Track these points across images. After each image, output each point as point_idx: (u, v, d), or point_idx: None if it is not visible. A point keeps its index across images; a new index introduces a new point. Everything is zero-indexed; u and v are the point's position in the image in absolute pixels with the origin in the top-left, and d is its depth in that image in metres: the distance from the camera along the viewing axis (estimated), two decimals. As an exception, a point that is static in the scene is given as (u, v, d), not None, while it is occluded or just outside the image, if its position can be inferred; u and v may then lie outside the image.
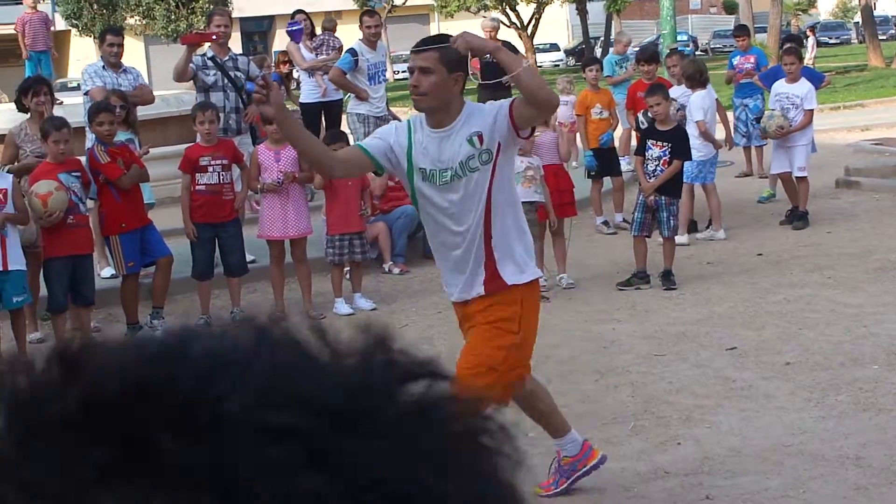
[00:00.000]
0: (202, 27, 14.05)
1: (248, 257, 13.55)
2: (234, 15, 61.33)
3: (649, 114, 13.21)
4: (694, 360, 9.80)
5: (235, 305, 12.34)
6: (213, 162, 12.11)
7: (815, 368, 9.29)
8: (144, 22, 51.05)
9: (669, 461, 7.58)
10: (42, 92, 12.39)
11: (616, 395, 9.05)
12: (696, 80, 15.01)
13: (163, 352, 0.89)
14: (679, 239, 14.29)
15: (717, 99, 15.57)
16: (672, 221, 12.59)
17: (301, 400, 0.85)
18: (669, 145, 12.49)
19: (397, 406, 0.88)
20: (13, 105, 13.60)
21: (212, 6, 51.12)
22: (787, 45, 17.68)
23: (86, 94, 14.07)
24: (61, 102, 17.87)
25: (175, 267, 12.50)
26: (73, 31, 57.83)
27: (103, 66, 14.08)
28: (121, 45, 14.35)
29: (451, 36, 6.50)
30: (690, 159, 12.99)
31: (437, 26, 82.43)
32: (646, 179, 12.53)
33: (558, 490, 7.04)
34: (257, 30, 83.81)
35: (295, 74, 20.62)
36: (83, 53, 57.12)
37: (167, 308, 12.73)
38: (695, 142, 14.34)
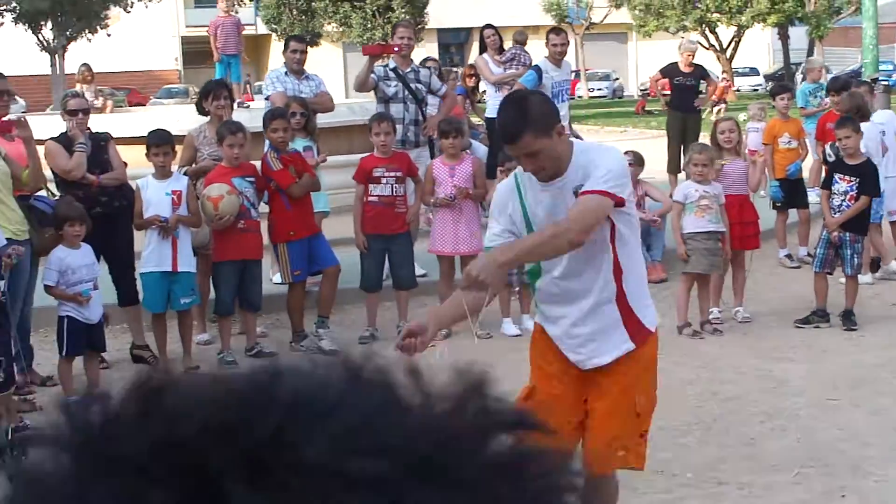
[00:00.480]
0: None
1: (420, 271, 13.47)
2: (431, 26, 62.43)
3: (837, 147, 12.77)
4: (869, 408, 9.40)
5: (403, 319, 12.18)
6: (387, 174, 12.05)
7: None
8: (341, 29, 51.44)
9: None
10: (222, 96, 12.39)
11: (782, 440, 8.71)
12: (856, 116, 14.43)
13: (246, 391, 0.89)
14: (863, 278, 13.79)
15: None
16: (856, 259, 12.11)
17: (385, 448, 0.84)
18: (857, 180, 12.01)
19: (484, 458, 0.87)
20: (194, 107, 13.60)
21: (408, 15, 51.58)
22: None
23: (267, 98, 14.13)
24: (248, 106, 18.02)
25: (345, 277, 12.46)
26: (273, 35, 58.56)
27: (286, 73, 14.13)
28: (304, 52, 14.39)
29: (522, 97, 6.15)
30: (879, 196, 12.50)
31: (634, 46, 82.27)
32: (830, 214, 12.06)
33: None
34: (454, 41, 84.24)
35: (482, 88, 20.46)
36: (282, 59, 57.82)
37: (335, 318, 12.70)
38: None
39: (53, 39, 59.37)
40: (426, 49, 72.61)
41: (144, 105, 49.37)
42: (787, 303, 13.22)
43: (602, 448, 5.85)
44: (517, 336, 12.04)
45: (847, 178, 12.04)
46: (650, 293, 6.36)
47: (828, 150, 14.55)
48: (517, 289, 12.39)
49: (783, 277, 14.81)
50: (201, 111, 12.75)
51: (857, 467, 8.03)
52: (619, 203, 5.64)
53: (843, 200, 12.02)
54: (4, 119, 10.07)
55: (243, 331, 11.80)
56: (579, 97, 78.11)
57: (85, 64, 25.24)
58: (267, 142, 12.81)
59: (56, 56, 59.17)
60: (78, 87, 23.89)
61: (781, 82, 20.72)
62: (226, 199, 10.95)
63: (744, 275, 12.66)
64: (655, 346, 6.08)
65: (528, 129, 5.54)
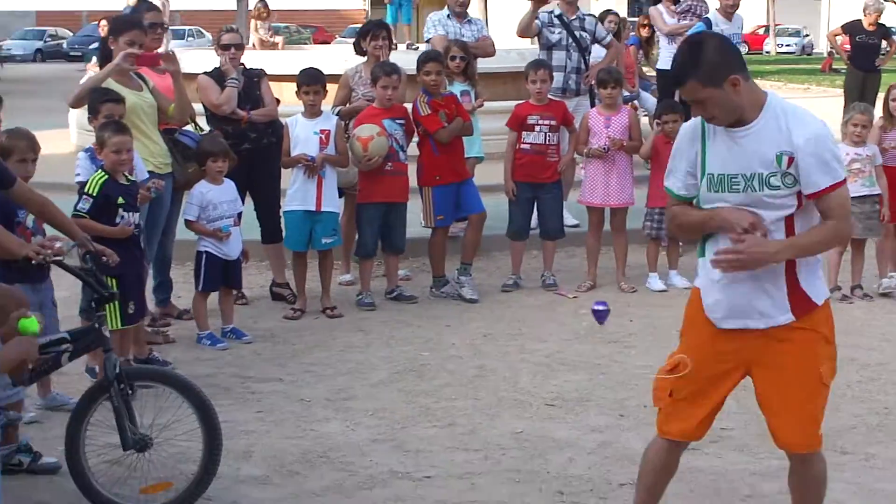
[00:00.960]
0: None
1: (573, 221, 13.27)
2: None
3: None
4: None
5: (547, 269, 12.09)
6: (541, 121, 11.83)
7: None
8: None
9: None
10: (381, 36, 12.22)
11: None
12: None
13: None
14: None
15: None
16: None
17: None
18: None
19: None
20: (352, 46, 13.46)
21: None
22: None
23: (427, 41, 13.98)
24: (395, 47, 17.84)
25: (492, 223, 12.33)
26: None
27: (448, 15, 13.93)
28: None
29: (698, 39, 5.60)
30: None
31: (827, 3, 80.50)
32: None
33: None
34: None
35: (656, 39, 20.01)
36: (471, 6, 57.60)
37: (480, 264, 12.62)
38: None
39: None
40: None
41: (329, 43, 49.54)
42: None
43: (801, 425, 5.66)
44: (663, 291, 11.82)
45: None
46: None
47: None
48: (664, 243, 12.13)
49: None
50: (359, 51, 12.57)
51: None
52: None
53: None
54: (154, 53, 10.03)
55: (385, 273, 11.69)
56: (767, 52, 77.13)
57: (261, 1, 25.25)
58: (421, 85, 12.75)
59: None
60: (253, 24, 24.10)
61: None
62: (375, 140, 10.88)
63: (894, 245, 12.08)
64: (827, 320, 5.66)
65: (694, 75, 5.28)
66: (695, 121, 5.62)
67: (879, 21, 20.23)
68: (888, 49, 20.61)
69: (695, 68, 5.27)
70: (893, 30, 21.48)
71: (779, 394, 5.60)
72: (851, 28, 20.47)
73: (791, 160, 5.30)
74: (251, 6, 27.51)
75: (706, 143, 5.51)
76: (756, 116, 5.37)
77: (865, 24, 20.11)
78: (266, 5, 24.95)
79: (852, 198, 11.10)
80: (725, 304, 5.55)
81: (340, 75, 12.34)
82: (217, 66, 11.45)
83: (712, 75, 5.23)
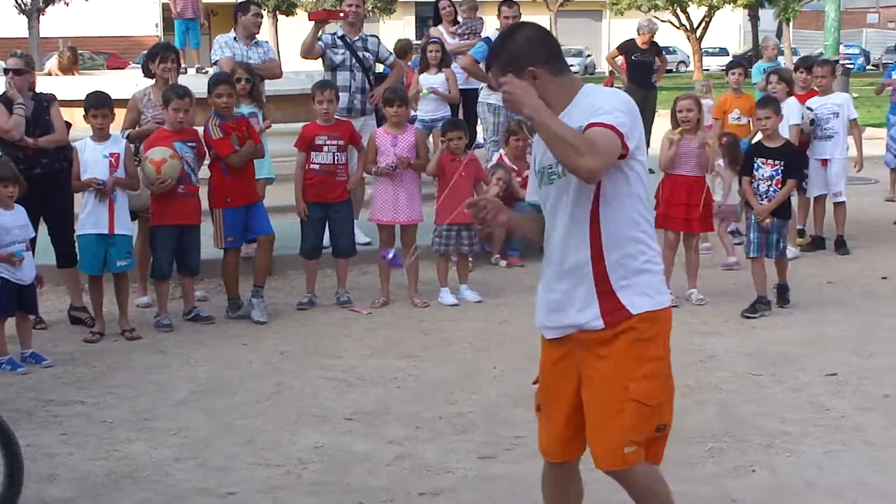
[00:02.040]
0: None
1: (364, 239, 13.39)
2: (406, -1, 61.92)
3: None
4: (790, 384, 9.30)
5: (341, 286, 12.18)
6: (328, 142, 11.92)
7: (914, 404, 8.80)
8: (313, 0, 51.23)
9: (739, 488, 7.16)
10: (169, 59, 12.23)
11: (701, 413, 8.61)
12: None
13: None
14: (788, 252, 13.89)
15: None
16: (782, 243, 11.89)
17: None
18: (782, 163, 11.72)
19: None
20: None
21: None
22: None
23: (214, 63, 13.97)
24: (185, 70, 17.78)
25: (286, 243, 12.45)
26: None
27: (234, 38, 13.93)
28: (259, 17, 14.18)
29: (515, 29, 5.39)
30: (805, 178, 12.24)
31: (607, 23, 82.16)
32: (758, 201, 11.71)
33: None
34: (428, 15, 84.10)
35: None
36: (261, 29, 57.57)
37: (277, 283, 12.72)
38: None
39: (30, 3, 59.05)
40: (404, 21, 72.97)
41: (124, 68, 49.15)
42: (720, 277, 13.20)
43: (605, 444, 5.28)
44: (454, 305, 12.01)
45: (770, 161, 11.73)
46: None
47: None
48: (454, 259, 12.33)
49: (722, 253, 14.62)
50: (148, 74, 12.53)
51: (770, 443, 7.92)
52: (623, 153, 5.02)
53: (770, 185, 11.70)
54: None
55: (182, 294, 11.68)
56: (551, 72, 78.33)
57: (71, 48, 24.67)
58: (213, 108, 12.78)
59: (32, 18, 58.83)
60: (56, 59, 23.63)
61: (735, 58, 20.49)
62: (168, 162, 10.86)
63: (696, 257, 12.44)
64: (648, 329, 5.18)
65: (496, 61, 5.21)
66: None
67: (653, 40, 20.78)
68: (659, 65, 21.13)
69: (498, 55, 5.22)
70: (670, 48, 22.00)
71: (587, 408, 5.34)
72: (627, 48, 20.98)
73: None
74: (42, 32, 26.94)
75: (535, 144, 5.44)
76: (560, 110, 5.14)
77: (640, 44, 20.64)
78: (74, 53, 24.43)
79: None
80: (545, 312, 5.48)
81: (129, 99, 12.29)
82: (4, 91, 11.34)
83: (513, 63, 5.13)
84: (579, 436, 5.43)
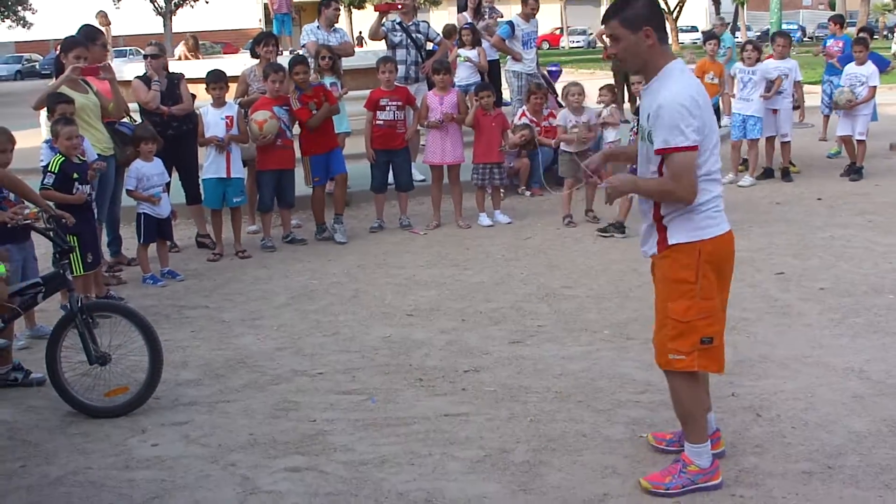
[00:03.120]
0: None
1: (419, 177, 13.26)
2: (450, -7, 61.42)
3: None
4: (749, 281, 9.13)
5: (403, 214, 12.07)
6: (390, 103, 11.77)
7: (842, 294, 8.58)
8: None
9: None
10: (270, 43, 12.19)
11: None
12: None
13: None
14: (744, 181, 14.20)
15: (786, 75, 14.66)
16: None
17: None
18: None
19: None
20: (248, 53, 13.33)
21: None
22: (858, 36, 16.58)
23: (303, 46, 13.82)
24: (281, 52, 17.60)
25: (360, 181, 12.36)
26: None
27: (318, 27, 13.76)
28: (337, 10, 13.97)
29: None
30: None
31: (605, 9, 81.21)
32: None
33: (668, 493, 5.11)
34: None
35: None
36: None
37: (353, 213, 12.69)
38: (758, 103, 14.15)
39: (164, 6, 58.97)
40: (448, 11, 72.28)
41: (236, 54, 49.25)
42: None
43: (656, 346, 5.17)
44: (490, 226, 11.88)
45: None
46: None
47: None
48: (489, 191, 12.20)
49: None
50: (254, 55, 12.51)
51: (733, 326, 7.68)
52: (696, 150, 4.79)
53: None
54: (94, 66, 9.85)
55: (282, 223, 11.60)
56: (562, 47, 77.89)
57: (192, 36, 24.65)
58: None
59: (166, 18, 58.77)
60: (182, 47, 23.55)
61: (710, 32, 20.11)
62: (268, 122, 10.82)
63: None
64: (682, 261, 4.92)
65: (616, 16, 4.86)
66: None
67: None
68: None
69: (620, 11, 4.87)
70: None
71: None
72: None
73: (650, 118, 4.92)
74: (174, 28, 26.88)
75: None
76: (650, 77, 4.93)
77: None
78: (195, 39, 24.32)
79: (570, 153, 11.57)
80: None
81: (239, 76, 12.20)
82: (145, 72, 11.31)
83: (634, 19, 4.82)
84: None
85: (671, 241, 4.97)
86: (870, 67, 14.77)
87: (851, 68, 14.83)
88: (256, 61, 12.23)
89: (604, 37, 4.87)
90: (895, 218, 11.68)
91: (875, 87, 14.68)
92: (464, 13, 17.41)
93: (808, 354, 7.13)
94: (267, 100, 11.18)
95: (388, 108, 11.76)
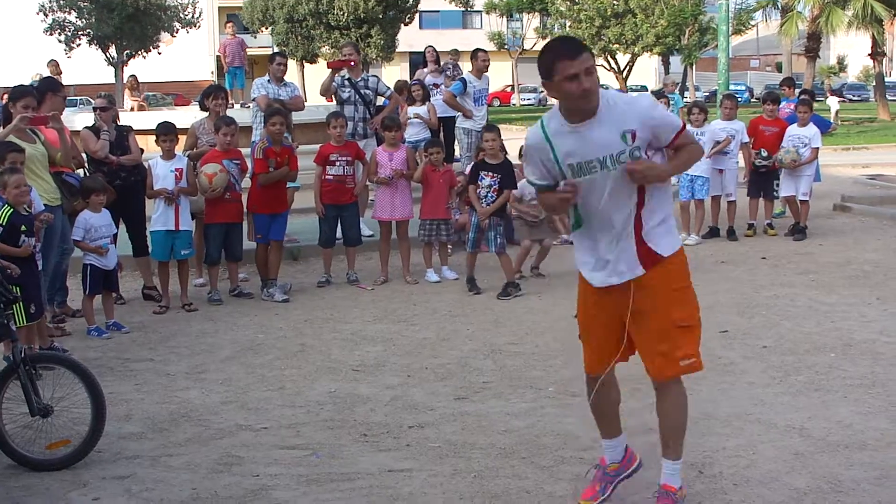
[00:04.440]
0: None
1: (368, 232, 13.32)
2: (403, 49, 61.72)
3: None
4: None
5: (350, 268, 12.09)
6: (340, 158, 11.83)
7: (785, 353, 8.70)
8: (332, 51, 50.93)
9: (654, 419, 6.96)
10: (219, 96, 12.26)
11: (626, 364, 8.49)
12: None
13: None
14: (689, 239, 14.30)
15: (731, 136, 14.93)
16: (499, 239, 11.52)
17: None
18: (499, 176, 11.50)
19: None
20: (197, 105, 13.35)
21: (382, 41, 51.22)
22: (802, 98, 16.89)
23: (253, 100, 13.88)
24: (232, 105, 17.65)
25: (308, 236, 12.38)
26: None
27: (268, 80, 13.82)
28: (283, 65, 14.05)
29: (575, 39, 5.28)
30: (516, 188, 11.94)
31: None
32: (480, 205, 11.39)
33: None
34: (419, 62, 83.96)
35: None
36: (291, 73, 57.41)
37: (301, 267, 12.81)
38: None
39: (116, 56, 58.90)
40: (400, 67, 72.80)
41: (187, 106, 49.33)
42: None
43: (659, 359, 5.37)
44: (437, 282, 11.95)
45: (490, 174, 11.44)
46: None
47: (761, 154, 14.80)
48: (436, 247, 12.24)
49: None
50: (203, 107, 12.55)
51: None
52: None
53: (489, 192, 11.42)
54: (42, 115, 9.86)
55: (230, 276, 11.59)
56: (513, 104, 78.51)
57: (133, 75, 24.88)
58: (257, 133, 12.86)
59: (117, 69, 58.70)
60: (127, 92, 23.67)
61: (659, 91, 20.35)
62: (218, 175, 10.84)
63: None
64: (673, 267, 5.25)
65: (587, 49, 5.02)
66: (535, 132, 5.25)
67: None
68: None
69: (585, 47, 5.04)
70: (604, 85, 21.99)
71: (639, 334, 5.38)
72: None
73: (634, 135, 5.04)
74: (125, 80, 27.00)
75: (553, 143, 5.15)
76: (595, 112, 5.02)
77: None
78: (136, 78, 24.51)
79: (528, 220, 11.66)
80: (597, 271, 5.37)
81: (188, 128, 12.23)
82: (94, 123, 11.33)
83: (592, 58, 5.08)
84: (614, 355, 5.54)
85: (664, 253, 5.24)
86: (812, 129, 15.04)
87: (794, 129, 15.07)
88: (206, 114, 12.27)
89: (580, 73, 4.92)
90: (838, 277, 11.87)
91: (818, 148, 14.95)
92: (424, 69, 17.57)
93: (750, 412, 7.21)
94: (217, 153, 11.20)
95: (337, 163, 11.81)
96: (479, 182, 11.50)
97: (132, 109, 22.74)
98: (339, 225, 12.02)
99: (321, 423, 7.16)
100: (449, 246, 12.53)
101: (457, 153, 16.97)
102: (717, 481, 5.98)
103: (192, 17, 61.54)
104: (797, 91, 18.56)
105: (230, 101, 14.20)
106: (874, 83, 57.99)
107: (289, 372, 8.46)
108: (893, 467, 6.12)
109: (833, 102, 45.40)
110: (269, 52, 51.88)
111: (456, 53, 18.94)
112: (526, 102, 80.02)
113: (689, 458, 6.31)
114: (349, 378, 8.25)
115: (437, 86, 17.52)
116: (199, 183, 10.89)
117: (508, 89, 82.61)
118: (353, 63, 13.89)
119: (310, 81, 50.94)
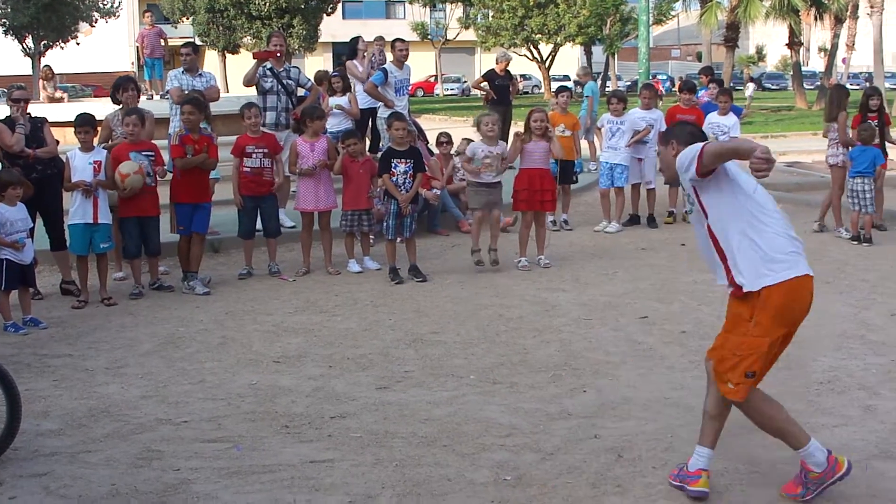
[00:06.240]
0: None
1: (290, 223, 13.27)
2: (325, 40, 61.38)
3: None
4: (613, 325, 9.36)
5: (272, 260, 12.02)
6: (256, 150, 11.76)
7: (703, 337, 8.81)
8: (254, 41, 50.51)
9: (574, 405, 7.18)
10: (129, 88, 12.04)
11: (546, 349, 8.61)
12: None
13: None
14: (611, 227, 14.64)
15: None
16: (414, 226, 11.74)
17: None
18: (412, 161, 11.60)
19: None
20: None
21: (304, 31, 50.92)
22: (723, 87, 17.08)
23: (166, 92, 13.76)
24: (151, 97, 17.54)
25: (228, 228, 12.25)
26: (205, 45, 57.26)
27: (182, 71, 13.72)
28: (189, 55, 13.96)
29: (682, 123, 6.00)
30: (426, 171, 12.06)
31: (479, 56, 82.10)
32: (399, 193, 11.45)
33: (804, 500, 5.50)
34: (343, 52, 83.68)
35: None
36: (213, 64, 56.84)
37: (222, 259, 12.70)
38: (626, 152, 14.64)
39: (33, 47, 57.95)
40: (323, 57, 72.45)
41: (108, 97, 48.51)
42: (561, 250, 13.19)
43: (715, 370, 5.58)
44: (359, 272, 11.94)
45: (403, 160, 11.53)
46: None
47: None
48: (358, 237, 12.21)
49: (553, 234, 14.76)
50: (115, 101, 12.31)
51: (597, 370, 7.96)
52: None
53: (406, 178, 11.51)
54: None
55: (150, 270, 11.46)
56: (437, 95, 78.56)
57: (47, 65, 24.57)
58: (174, 124, 12.87)
59: (35, 60, 57.75)
60: (41, 83, 23.37)
61: (562, 84, 20.38)
62: (132, 177, 10.66)
63: (545, 230, 12.46)
64: (759, 303, 5.31)
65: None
66: None
67: (507, 68, 20.67)
68: (513, 87, 21.05)
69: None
70: (527, 76, 22.00)
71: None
72: (489, 76, 20.82)
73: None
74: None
75: None
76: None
77: (498, 71, 20.51)
78: (50, 68, 24.18)
79: (482, 184, 11.59)
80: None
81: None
82: (9, 115, 11.13)
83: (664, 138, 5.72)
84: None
85: (747, 286, 5.37)
86: (732, 118, 15.26)
87: (714, 118, 15.27)
88: (120, 106, 12.11)
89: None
90: (755, 263, 12.03)
91: (737, 137, 15.12)
92: (353, 60, 17.52)
93: (668, 396, 7.32)
94: (126, 145, 11.06)
95: (254, 155, 11.74)
96: (394, 170, 11.52)
97: (45, 100, 22.42)
98: (258, 216, 11.95)
99: (242, 415, 7.13)
100: (371, 236, 12.51)
101: (382, 143, 16.96)
102: (636, 464, 6.06)
103: (112, 6, 60.65)
104: (708, 81, 18.75)
105: (150, 92, 14.03)
106: (791, 72, 58.95)
107: (210, 365, 8.41)
108: (808, 447, 6.24)
109: (750, 88, 46.21)
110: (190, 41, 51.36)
111: (381, 41, 18.87)
112: (449, 92, 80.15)
113: (608, 443, 6.41)
114: (271, 370, 8.22)
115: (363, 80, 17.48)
116: (115, 181, 10.75)
117: (432, 79, 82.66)
118: (279, 54, 13.84)
119: (232, 72, 50.54)
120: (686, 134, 5.65)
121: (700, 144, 5.30)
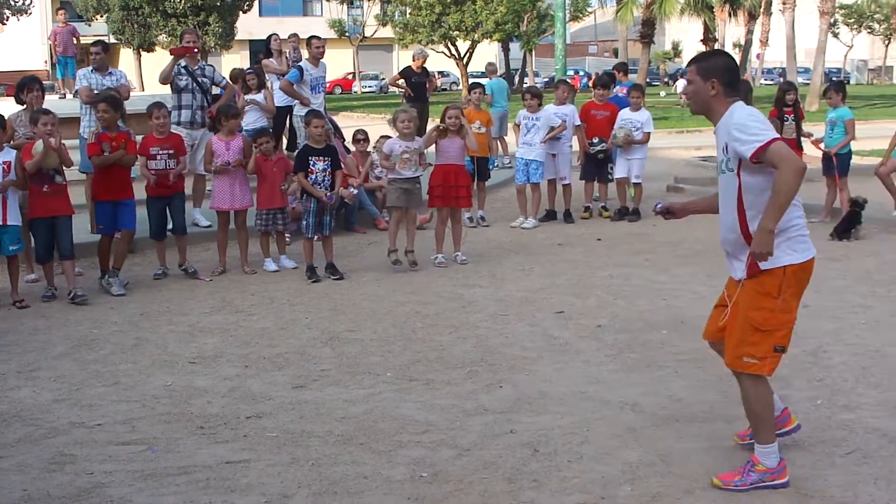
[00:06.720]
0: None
1: (205, 222, 13.19)
2: (242, 37, 60.93)
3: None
4: (529, 321, 9.42)
5: (182, 259, 11.91)
6: (161, 152, 11.64)
7: (619, 331, 8.94)
8: (169, 39, 50.04)
9: (490, 400, 7.21)
10: (34, 88, 11.86)
11: (462, 346, 8.65)
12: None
13: None
14: (527, 223, 14.78)
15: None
16: (333, 223, 11.82)
17: None
18: (329, 159, 11.61)
19: None
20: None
21: (220, 28, 50.54)
22: (635, 84, 17.26)
23: (76, 92, 13.61)
24: (64, 96, 17.30)
25: (141, 227, 12.05)
26: (119, 43, 56.60)
27: (92, 70, 13.57)
28: (98, 54, 13.82)
29: (720, 51, 6.00)
30: (343, 168, 12.12)
31: (397, 54, 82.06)
32: (318, 189, 11.44)
33: (737, 489, 5.60)
34: (259, 50, 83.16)
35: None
36: (128, 62, 56.27)
37: (137, 260, 12.50)
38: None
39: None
40: (240, 55, 71.92)
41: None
42: (478, 247, 13.24)
43: (728, 349, 5.61)
44: (275, 271, 11.92)
45: (321, 158, 11.52)
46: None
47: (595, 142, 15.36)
48: (273, 236, 12.16)
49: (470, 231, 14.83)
50: (19, 101, 12.12)
51: (513, 365, 8.01)
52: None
53: (325, 176, 11.49)
54: None
55: (65, 276, 11.22)
56: (354, 92, 78.43)
57: None
58: (84, 123, 12.70)
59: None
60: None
61: (475, 81, 20.41)
62: (36, 144, 10.47)
63: (461, 227, 12.51)
64: (772, 281, 5.40)
65: (698, 65, 5.64)
66: None
67: (424, 65, 20.72)
68: (430, 84, 21.12)
69: (696, 60, 5.69)
70: (445, 72, 22.12)
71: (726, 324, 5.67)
72: (406, 73, 20.87)
73: (726, 147, 5.47)
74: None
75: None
76: (716, 120, 5.57)
77: (415, 68, 20.57)
78: None
79: (402, 179, 11.55)
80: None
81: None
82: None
83: (704, 72, 5.59)
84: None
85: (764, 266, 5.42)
86: (644, 114, 15.44)
87: (627, 114, 15.44)
88: (23, 107, 11.91)
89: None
90: (671, 257, 12.23)
91: (650, 133, 15.31)
92: (270, 58, 17.46)
93: (584, 390, 7.39)
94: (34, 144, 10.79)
95: (158, 156, 11.63)
96: (312, 167, 11.47)
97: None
98: (167, 215, 11.81)
99: (157, 417, 7.07)
100: (287, 234, 12.46)
101: (299, 141, 16.92)
102: (552, 458, 6.10)
103: (24, 4, 59.75)
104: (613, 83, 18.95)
105: (63, 91, 13.84)
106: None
107: (124, 367, 8.31)
108: (721, 438, 6.37)
109: (681, 85, 46.64)
110: (105, 39, 50.82)
111: (296, 38, 18.82)
112: (367, 90, 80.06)
113: (523, 438, 6.45)
114: (186, 371, 8.16)
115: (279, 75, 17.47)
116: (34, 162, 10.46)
117: (350, 77, 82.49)
118: (196, 50, 13.74)
119: (147, 70, 50.04)
120: (728, 74, 5.60)
121: (773, 134, 5.31)
